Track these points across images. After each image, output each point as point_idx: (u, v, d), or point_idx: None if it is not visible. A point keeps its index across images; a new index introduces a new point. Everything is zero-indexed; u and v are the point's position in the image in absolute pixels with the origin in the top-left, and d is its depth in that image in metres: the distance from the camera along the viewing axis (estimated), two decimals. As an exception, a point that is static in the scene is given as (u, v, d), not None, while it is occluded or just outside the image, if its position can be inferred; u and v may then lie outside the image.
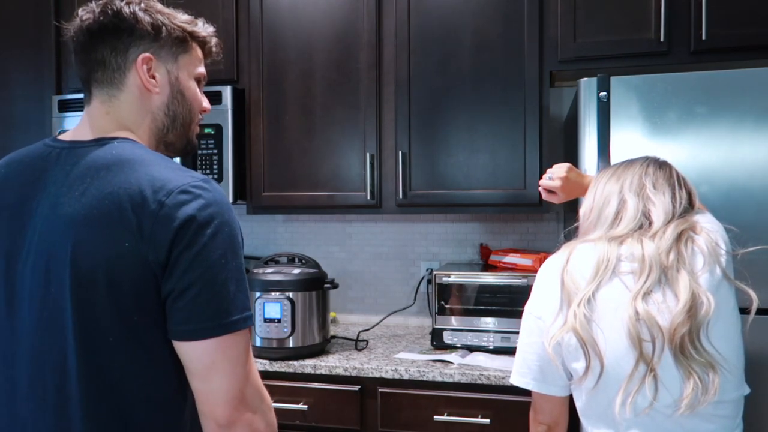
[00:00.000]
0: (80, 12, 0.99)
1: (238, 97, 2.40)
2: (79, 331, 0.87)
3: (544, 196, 1.66)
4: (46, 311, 0.89)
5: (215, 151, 2.35)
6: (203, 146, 2.35)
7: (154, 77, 1.00)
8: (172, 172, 0.91)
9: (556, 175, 1.59)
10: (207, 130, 2.35)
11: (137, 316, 0.88)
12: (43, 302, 0.89)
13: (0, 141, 2.61)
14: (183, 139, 1.06)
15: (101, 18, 0.97)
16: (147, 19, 0.98)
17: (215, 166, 2.35)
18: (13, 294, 0.92)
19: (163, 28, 1.00)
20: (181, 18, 1.04)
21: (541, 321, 1.23)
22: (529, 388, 1.27)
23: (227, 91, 2.34)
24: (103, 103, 0.99)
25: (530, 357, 1.26)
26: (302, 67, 2.35)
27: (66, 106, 2.47)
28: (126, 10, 0.97)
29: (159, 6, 1.01)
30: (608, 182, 1.27)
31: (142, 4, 0.99)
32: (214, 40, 1.11)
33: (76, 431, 0.89)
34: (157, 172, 0.90)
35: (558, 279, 1.20)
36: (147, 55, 0.99)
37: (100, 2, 0.98)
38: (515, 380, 1.29)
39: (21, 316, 0.91)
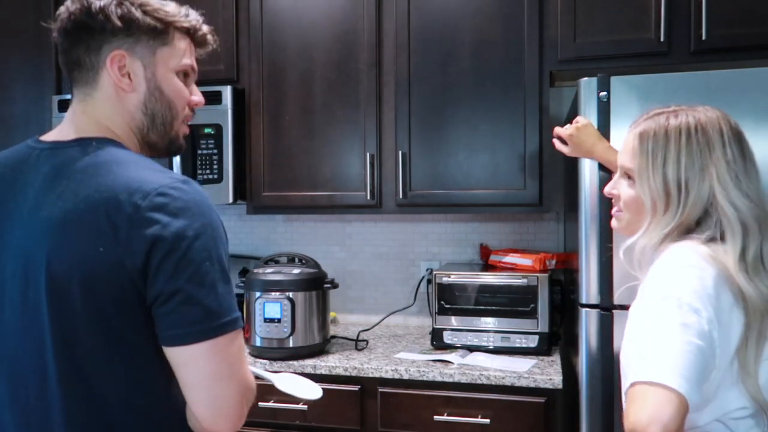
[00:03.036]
0: (60, 10, 0.96)
1: (238, 97, 2.40)
2: (57, 337, 0.85)
3: (556, 145, 1.76)
4: (25, 316, 0.87)
5: (215, 151, 2.35)
6: (203, 146, 2.35)
7: (128, 75, 0.95)
8: (149, 174, 0.87)
9: (573, 125, 1.65)
10: (207, 130, 2.35)
11: (115, 322, 0.86)
12: (22, 307, 0.87)
13: (0, 141, 2.60)
14: (165, 139, 1.01)
15: (73, 17, 0.93)
16: (118, 12, 0.92)
17: (215, 166, 2.35)
18: None
19: (137, 21, 0.94)
20: (163, 9, 0.96)
21: None
22: None
23: (227, 91, 2.34)
24: (80, 102, 0.97)
25: None
26: (302, 67, 2.35)
27: (66, 106, 2.44)
28: (96, 5, 0.92)
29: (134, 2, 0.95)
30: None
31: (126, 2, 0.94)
32: (205, 28, 1.04)
33: None
34: (134, 173, 0.87)
35: None
36: (118, 52, 0.94)
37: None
38: None
39: (4, 323, 0.90)
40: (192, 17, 1.01)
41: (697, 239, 1.07)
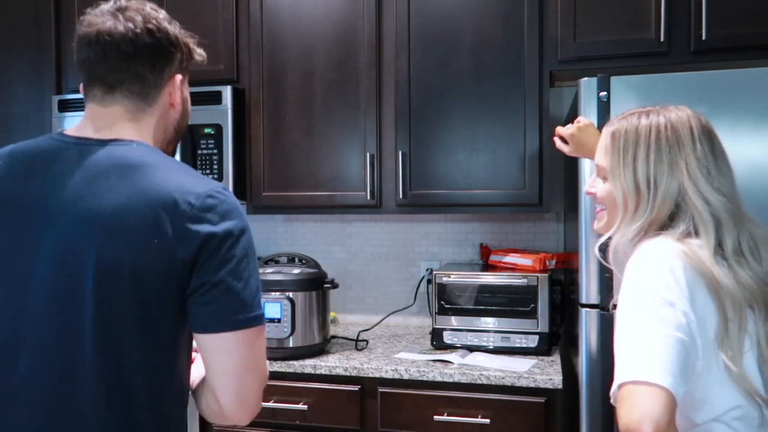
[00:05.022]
0: (113, 11, 1.00)
1: (238, 97, 2.40)
2: (98, 322, 0.91)
3: (557, 144, 1.73)
4: (53, 303, 0.92)
5: (215, 151, 2.35)
6: (203, 146, 2.35)
7: (177, 96, 1.08)
8: (195, 179, 0.98)
9: (574, 125, 1.64)
10: (207, 130, 2.35)
11: (155, 312, 0.93)
12: (50, 294, 0.92)
13: (0, 141, 2.61)
14: (170, 149, 1.12)
15: (147, 35, 1.00)
16: (183, 42, 1.07)
17: (215, 166, 2.35)
18: (20, 284, 0.94)
19: (189, 53, 1.09)
20: (199, 50, 1.12)
21: None
22: None
23: (227, 91, 2.34)
24: (130, 111, 1.03)
25: None
26: (302, 67, 2.35)
27: (66, 106, 2.47)
28: (171, 32, 1.04)
29: (179, 28, 1.08)
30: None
31: (177, 27, 1.06)
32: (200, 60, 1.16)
33: (89, 421, 0.92)
34: (181, 177, 0.97)
35: None
36: (179, 76, 1.07)
37: (140, 13, 1.01)
38: None
39: (29, 305, 0.93)
40: (203, 56, 1.14)
41: (671, 235, 1.08)
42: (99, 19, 1.00)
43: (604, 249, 1.19)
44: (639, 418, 0.90)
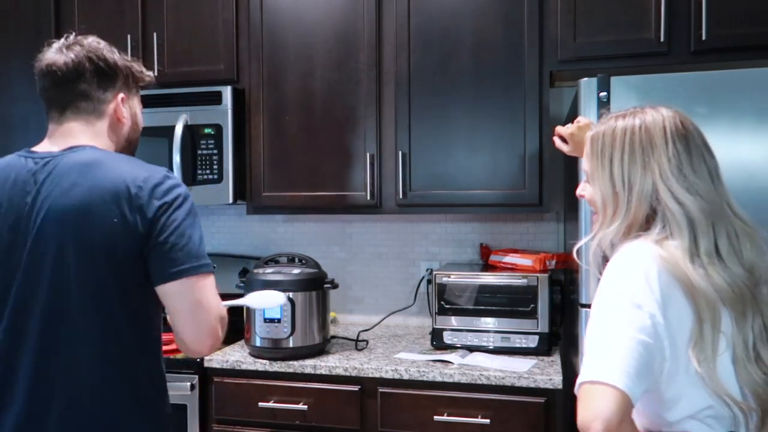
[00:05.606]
0: (60, 47, 1.24)
1: (238, 97, 2.40)
2: (84, 292, 1.14)
3: (557, 143, 1.72)
4: (55, 274, 1.14)
5: (215, 151, 2.35)
6: (203, 146, 2.35)
7: (124, 111, 1.31)
8: (141, 167, 1.22)
9: (574, 124, 1.63)
10: (207, 130, 2.35)
11: (130, 278, 1.18)
12: (50, 282, 1.14)
13: (0, 141, 2.61)
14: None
15: (87, 62, 1.24)
16: (124, 66, 1.31)
17: (215, 166, 2.35)
18: (14, 262, 1.17)
19: (132, 75, 1.33)
20: (146, 72, 1.37)
21: None
22: None
23: (227, 91, 2.34)
24: (81, 123, 1.26)
25: None
26: (302, 67, 2.35)
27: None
28: (110, 58, 1.28)
29: (124, 57, 1.33)
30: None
31: (119, 55, 1.30)
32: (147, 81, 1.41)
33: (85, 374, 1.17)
34: (129, 168, 1.20)
35: None
36: (123, 95, 1.30)
37: (83, 46, 1.25)
38: None
39: (23, 281, 1.16)
40: (151, 76, 1.41)
41: (650, 237, 1.09)
42: (49, 54, 1.24)
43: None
44: (592, 416, 0.94)
